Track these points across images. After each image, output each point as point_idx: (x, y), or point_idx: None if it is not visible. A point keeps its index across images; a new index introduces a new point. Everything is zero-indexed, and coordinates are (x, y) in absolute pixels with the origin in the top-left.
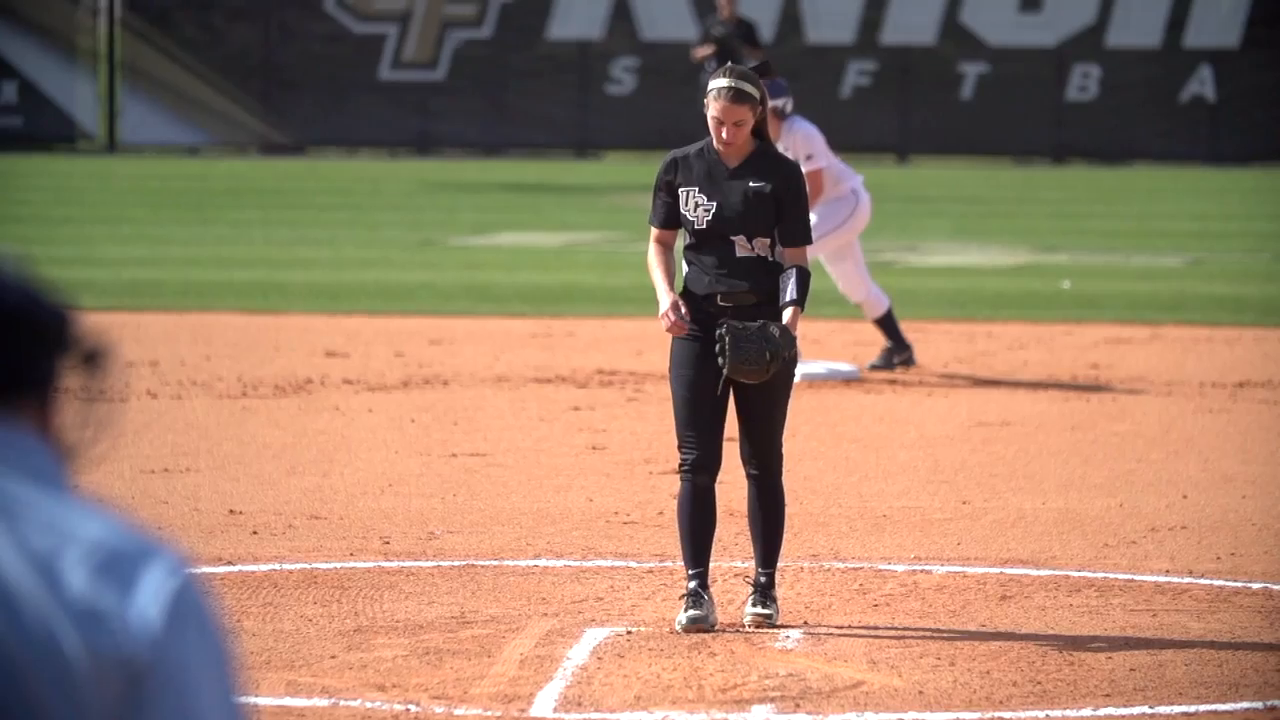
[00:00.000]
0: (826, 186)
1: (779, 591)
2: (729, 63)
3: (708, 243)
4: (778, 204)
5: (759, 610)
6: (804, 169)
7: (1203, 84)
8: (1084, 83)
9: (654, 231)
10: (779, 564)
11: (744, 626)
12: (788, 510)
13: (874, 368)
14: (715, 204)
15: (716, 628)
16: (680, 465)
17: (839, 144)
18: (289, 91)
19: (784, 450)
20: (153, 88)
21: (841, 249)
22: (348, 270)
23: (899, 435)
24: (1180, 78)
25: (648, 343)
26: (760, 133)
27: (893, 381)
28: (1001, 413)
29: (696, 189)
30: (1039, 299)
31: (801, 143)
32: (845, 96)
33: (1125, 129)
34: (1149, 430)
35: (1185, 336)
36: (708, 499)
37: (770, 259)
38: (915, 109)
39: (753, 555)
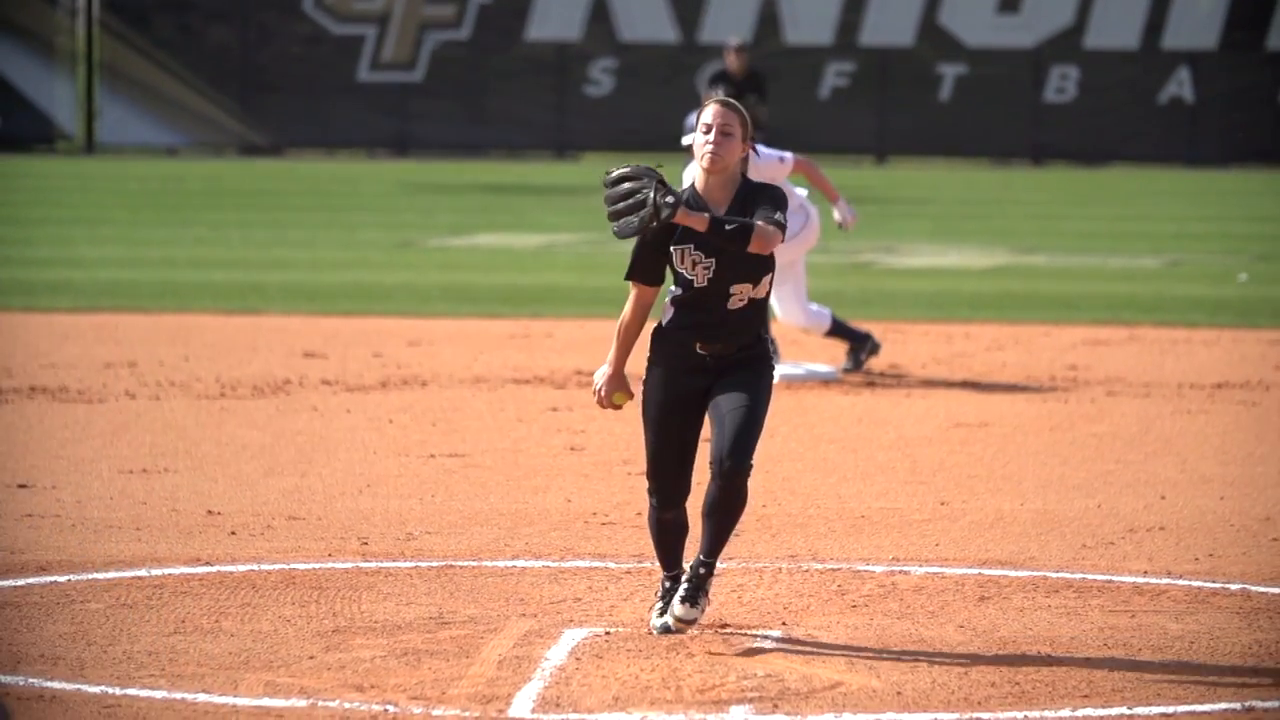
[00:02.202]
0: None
1: (757, 593)
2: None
3: (702, 296)
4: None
5: (683, 612)
6: (788, 162)
7: (1181, 86)
8: (1062, 84)
9: (635, 290)
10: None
11: (663, 627)
12: (765, 511)
13: (848, 370)
14: (714, 260)
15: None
16: (649, 493)
17: (817, 145)
18: (267, 93)
19: (763, 451)
20: (131, 89)
21: (785, 269)
22: (326, 271)
23: (877, 436)
24: (1158, 79)
25: None
26: (744, 173)
27: (871, 383)
28: (980, 414)
29: (692, 246)
30: (1017, 300)
31: (766, 156)
32: (824, 97)
33: (1103, 130)
34: (1127, 431)
35: (1163, 338)
36: (678, 518)
37: (761, 300)
38: (893, 110)
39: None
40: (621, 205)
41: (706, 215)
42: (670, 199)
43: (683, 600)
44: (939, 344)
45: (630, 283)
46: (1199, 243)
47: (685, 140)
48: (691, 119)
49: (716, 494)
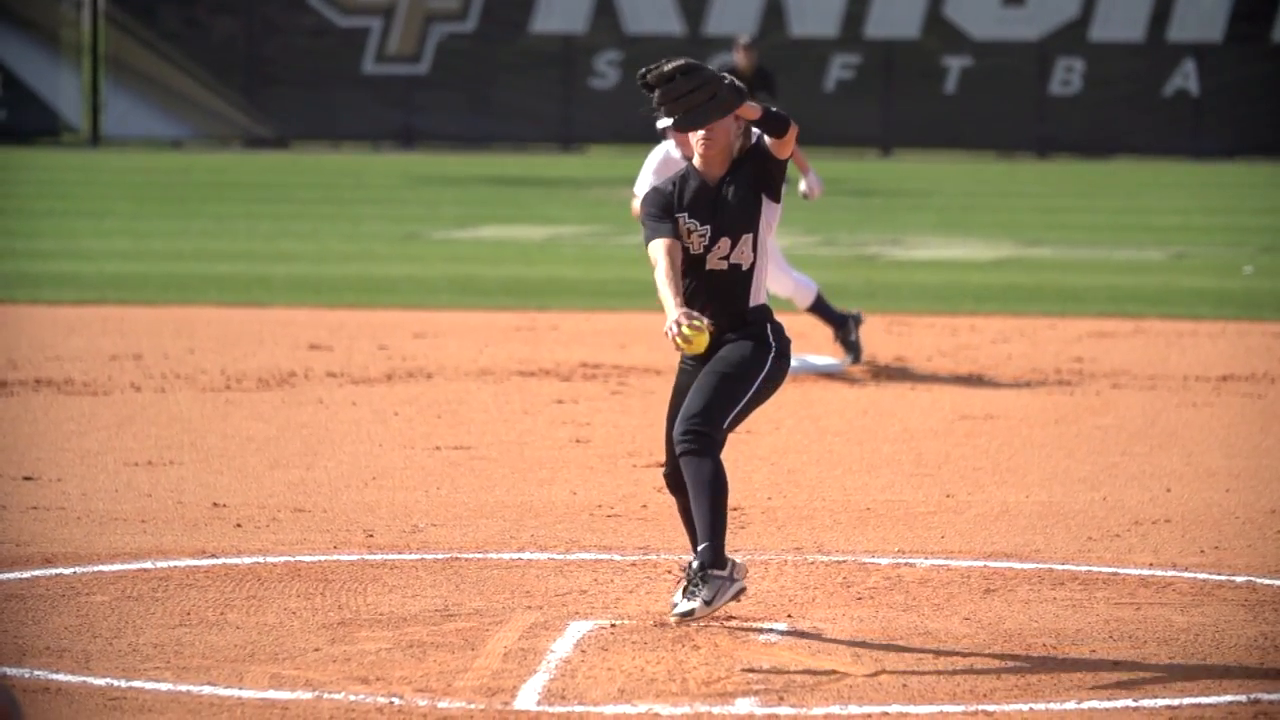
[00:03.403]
0: None
1: (763, 585)
2: None
3: (696, 264)
4: (759, 177)
5: (679, 609)
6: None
7: (1186, 78)
8: (1067, 76)
9: (662, 244)
10: (760, 563)
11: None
12: (770, 503)
13: (853, 363)
14: (709, 228)
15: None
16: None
17: (822, 138)
18: (272, 85)
19: (769, 444)
20: (136, 81)
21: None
22: (331, 263)
23: (882, 429)
24: (1163, 72)
25: (631, 336)
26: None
27: (876, 375)
28: (985, 406)
29: (686, 214)
30: (1022, 293)
31: None
32: (829, 90)
33: (1108, 123)
34: (1132, 424)
35: (1168, 330)
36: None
37: (743, 272)
38: (899, 102)
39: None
40: (691, 98)
41: (757, 104)
42: (740, 86)
43: (679, 594)
44: (944, 336)
45: (651, 246)
46: (1204, 235)
47: (660, 124)
48: None
49: (687, 472)
